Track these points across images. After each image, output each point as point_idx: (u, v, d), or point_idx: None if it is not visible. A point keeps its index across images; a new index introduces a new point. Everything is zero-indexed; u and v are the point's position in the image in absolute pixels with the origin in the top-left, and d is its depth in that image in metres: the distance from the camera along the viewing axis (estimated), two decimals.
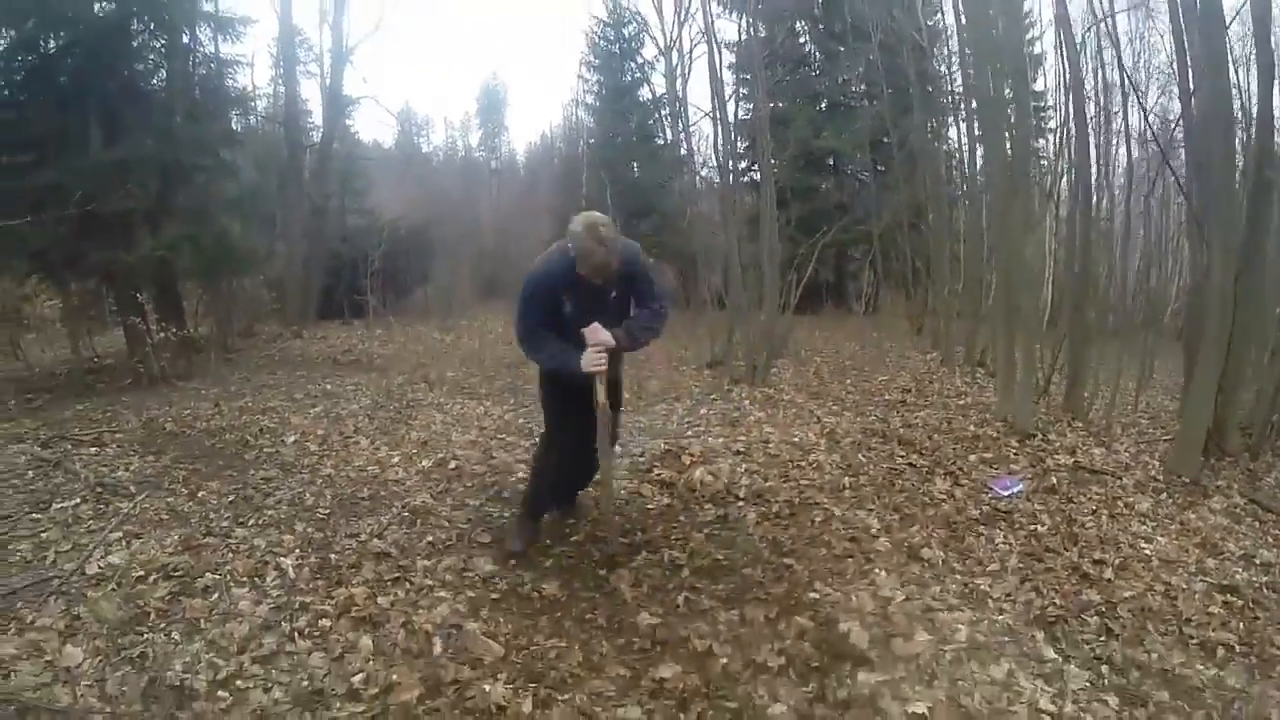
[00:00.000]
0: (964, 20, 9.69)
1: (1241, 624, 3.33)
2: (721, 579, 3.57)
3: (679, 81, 13.20)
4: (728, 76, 20.11)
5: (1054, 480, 5.08)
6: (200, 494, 4.47)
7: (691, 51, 16.64)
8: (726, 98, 15.91)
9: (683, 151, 15.53)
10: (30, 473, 4.63)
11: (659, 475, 4.91)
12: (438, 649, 2.89)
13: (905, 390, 8.34)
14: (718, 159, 14.71)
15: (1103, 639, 3.14)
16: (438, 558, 3.73)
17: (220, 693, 2.53)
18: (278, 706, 2.50)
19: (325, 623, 3.02)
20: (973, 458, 5.53)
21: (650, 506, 4.46)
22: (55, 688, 2.42)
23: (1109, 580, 3.66)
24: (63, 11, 8.36)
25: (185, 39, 10.20)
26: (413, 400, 7.81)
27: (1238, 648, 3.13)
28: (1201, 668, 2.97)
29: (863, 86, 18.07)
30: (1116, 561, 3.86)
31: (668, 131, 19.25)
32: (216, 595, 3.18)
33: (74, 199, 6.88)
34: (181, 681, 2.55)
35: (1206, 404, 5.53)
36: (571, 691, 2.69)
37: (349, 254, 16.46)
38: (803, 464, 5.25)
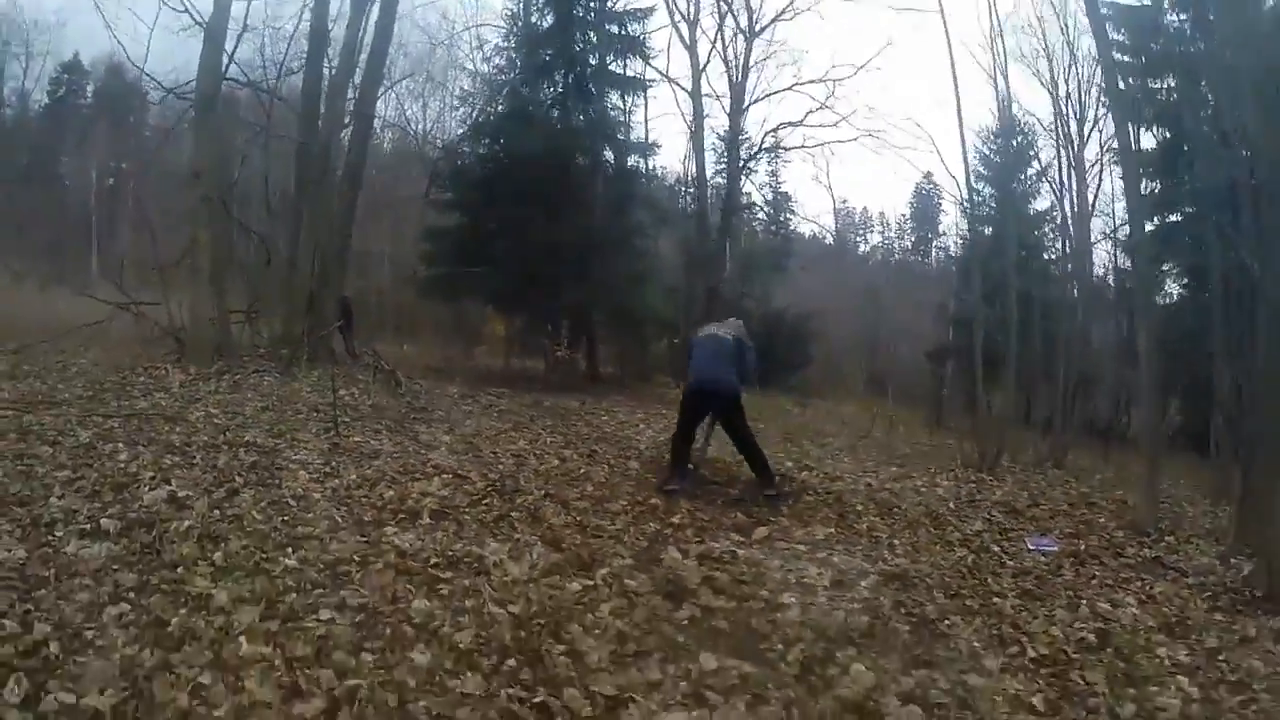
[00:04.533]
0: None
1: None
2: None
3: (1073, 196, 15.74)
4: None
5: (1085, 546, 5.62)
6: (535, 422, 8.49)
7: (1100, 161, 17.66)
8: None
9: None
10: (457, 397, 9.40)
11: (778, 470, 6.62)
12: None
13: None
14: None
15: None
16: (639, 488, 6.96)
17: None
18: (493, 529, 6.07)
19: (560, 460, 6.52)
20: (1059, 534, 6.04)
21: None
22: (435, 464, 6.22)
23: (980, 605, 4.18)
24: (526, 133, 13.71)
25: (612, 156, 15.57)
26: None
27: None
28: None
29: None
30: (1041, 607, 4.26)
31: (1061, 244, 19.65)
32: (518, 443, 6.99)
33: (521, 261, 11.82)
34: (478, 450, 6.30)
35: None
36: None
37: None
38: (885, 491, 6.82)
